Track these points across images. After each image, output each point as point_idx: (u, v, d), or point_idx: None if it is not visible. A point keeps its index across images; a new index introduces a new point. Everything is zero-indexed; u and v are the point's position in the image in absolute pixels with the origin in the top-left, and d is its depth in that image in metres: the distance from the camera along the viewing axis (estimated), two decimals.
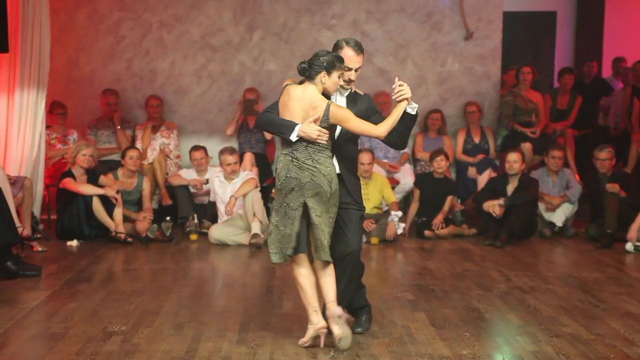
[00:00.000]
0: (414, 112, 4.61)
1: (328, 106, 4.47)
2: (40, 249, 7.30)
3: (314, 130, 4.46)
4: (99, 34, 9.58)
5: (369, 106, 4.74)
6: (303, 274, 4.57)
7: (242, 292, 5.91)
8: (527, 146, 9.00)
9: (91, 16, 9.56)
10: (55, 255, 7.24)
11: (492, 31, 9.76)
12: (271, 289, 5.92)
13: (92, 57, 9.60)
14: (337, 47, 4.68)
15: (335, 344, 4.42)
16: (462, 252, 7.59)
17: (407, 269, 7.07)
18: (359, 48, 4.65)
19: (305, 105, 4.52)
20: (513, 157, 8.24)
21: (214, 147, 9.06)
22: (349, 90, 4.75)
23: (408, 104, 4.59)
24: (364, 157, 8.13)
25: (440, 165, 8.40)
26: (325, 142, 4.51)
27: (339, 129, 4.64)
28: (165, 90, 9.65)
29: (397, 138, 4.69)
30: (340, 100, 4.73)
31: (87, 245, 7.72)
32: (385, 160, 9.21)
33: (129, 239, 7.80)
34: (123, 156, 8.37)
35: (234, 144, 9.20)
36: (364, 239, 7.96)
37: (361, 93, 4.81)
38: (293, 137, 4.49)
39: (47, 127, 8.60)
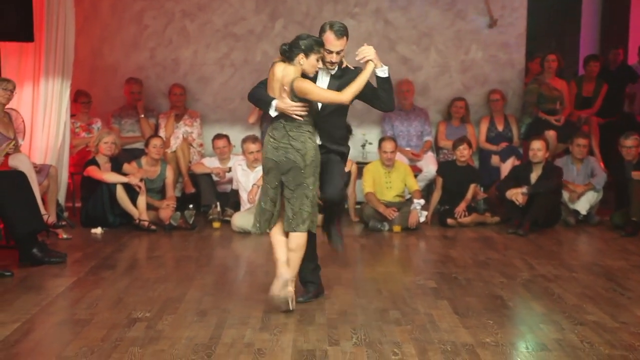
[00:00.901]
0: (384, 75, 4.87)
1: (292, 82, 4.72)
2: (65, 236, 7.38)
3: (288, 106, 4.75)
4: (123, 23, 9.63)
5: (354, 78, 4.84)
6: (275, 235, 5.00)
7: (265, 279, 5.90)
8: (551, 134, 8.93)
9: (115, 5, 9.60)
10: (79, 242, 7.30)
11: (517, 18, 9.68)
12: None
13: (116, 47, 9.66)
14: (321, 30, 4.90)
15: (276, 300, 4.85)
16: (485, 240, 7.56)
17: (429, 257, 7.06)
18: (340, 32, 4.84)
19: (280, 84, 4.81)
20: (537, 145, 8.18)
21: (236, 135, 9.09)
22: (335, 70, 4.96)
23: (376, 67, 4.82)
24: (387, 145, 8.12)
25: (463, 153, 8.36)
26: (302, 118, 4.77)
27: (320, 104, 4.88)
28: (188, 79, 9.68)
29: (380, 103, 5.00)
30: (324, 79, 4.97)
31: (111, 232, 7.78)
32: (407, 148, 9.18)
33: (153, 227, 7.85)
34: (146, 144, 8.41)
35: (257, 133, 9.22)
36: (386, 226, 7.96)
37: (351, 67, 4.99)
38: (272, 113, 4.82)
39: (72, 115, 8.66)
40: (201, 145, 9.30)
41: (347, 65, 5.03)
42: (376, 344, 4.35)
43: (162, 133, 9.07)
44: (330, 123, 5.00)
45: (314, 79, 4.92)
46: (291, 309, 4.90)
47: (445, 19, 9.68)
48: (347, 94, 4.78)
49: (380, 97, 4.98)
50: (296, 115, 4.77)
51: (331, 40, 4.83)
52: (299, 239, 4.92)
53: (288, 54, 4.82)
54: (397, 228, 7.94)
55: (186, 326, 4.66)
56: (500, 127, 9.40)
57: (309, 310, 5.01)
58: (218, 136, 8.77)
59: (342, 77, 4.97)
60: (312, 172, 4.84)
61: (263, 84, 4.99)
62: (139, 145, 9.06)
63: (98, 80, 9.61)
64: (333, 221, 5.26)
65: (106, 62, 9.66)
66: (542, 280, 5.86)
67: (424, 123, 9.37)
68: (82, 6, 9.31)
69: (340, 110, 5.00)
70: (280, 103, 4.78)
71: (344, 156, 5.16)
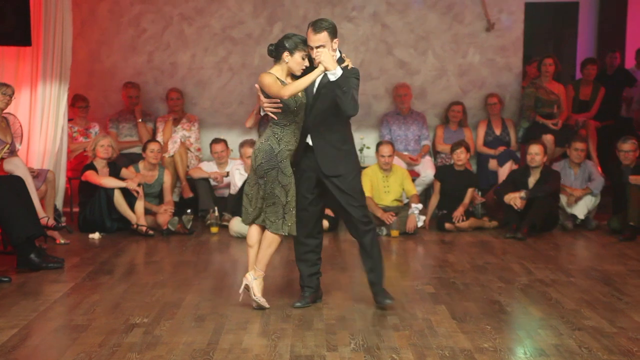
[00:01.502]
0: (333, 78, 4.84)
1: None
2: (62, 241, 7.38)
3: (262, 101, 4.99)
4: (120, 27, 9.63)
5: (346, 77, 4.87)
6: (250, 236, 5.18)
7: (263, 284, 5.90)
8: (548, 138, 8.93)
9: (112, 9, 9.60)
10: (77, 247, 7.30)
11: (514, 22, 9.70)
12: (291, 282, 5.92)
13: (114, 51, 9.66)
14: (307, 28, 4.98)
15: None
16: (483, 244, 7.57)
17: (427, 261, 7.06)
18: (318, 27, 4.90)
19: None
20: (534, 149, 8.19)
21: (234, 139, 9.09)
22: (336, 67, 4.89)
23: (327, 70, 4.81)
24: (385, 150, 8.12)
25: (460, 157, 8.37)
26: (275, 117, 4.91)
27: (296, 100, 4.94)
28: (186, 83, 9.68)
29: (339, 105, 4.88)
30: (324, 78, 4.95)
31: (109, 237, 7.78)
32: (405, 153, 9.18)
33: (150, 232, 7.84)
34: (144, 149, 8.41)
35: (254, 137, 9.21)
36: (384, 231, 7.96)
37: (350, 66, 5.00)
38: (261, 111, 4.99)
39: (69, 120, 8.65)
40: (199, 149, 9.30)
41: (347, 65, 4.99)
42: (374, 350, 4.34)
43: (159, 137, 9.07)
44: (323, 124, 5.04)
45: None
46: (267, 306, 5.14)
47: (442, 23, 9.69)
48: (286, 89, 4.84)
49: (339, 100, 4.87)
50: (269, 112, 4.93)
51: (310, 36, 4.92)
52: (271, 236, 5.09)
53: (275, 54, 5.00)
54: (395, 233, 7.94)
55: (184, 331, 4.66)
56: (497, 131, 9.41)
57: (307, 316, 5.01)
58: (216, 140, 8.76)
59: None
60: (260, 175, 4.98)
61: None
62: (137, 149, 9.06)
63: (96, 85, 9.61)
64: (380, 273, 5.23)
65: (104, 66, 9.66)
66: (540, 285, 5.86)
67: (421, 127, 9.38)
68: (80, 10, 9.31)
69: (332, 110, 4.97)
70: (260, 99, 5.02)
71: (342, 163, 5.09)
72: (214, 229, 8.12)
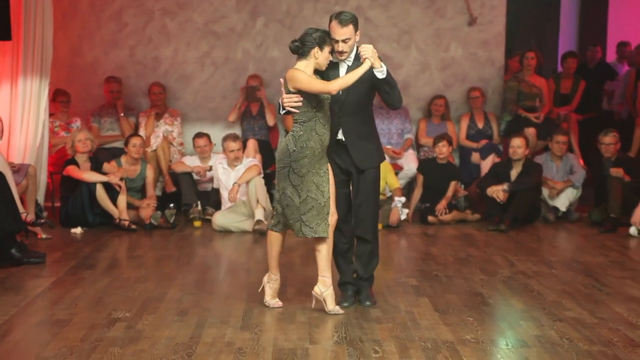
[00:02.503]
0: (382, 75, 4.82)
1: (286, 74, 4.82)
2: (44, 236, 7.32)
3: (283, 97, 4.84)
4: (102, 21, 9.57)
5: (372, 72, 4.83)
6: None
7: (246, 278, 5.91)
8: (530, 131, 8.97)
9: (94, 3, 9.54)
10: (59, 242, 7.25)
11: (496, 16, 9.72)
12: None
13: (95, 45, 9.59)
14: (329, 21, 4.90)
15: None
16: (465, 237, 7.60)
17: (410, 254, 7.08)
18: (344, 20, 4.83)
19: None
20: (517, 142, 8.22)
21: (217, 134, 9.06)
22: (351, 60, 4.94)
23: (373, 66, 4.76)
24: None
25: (442, 151, 8.39)
26: (297, 110, 4.79)
27: (317, 97, 4.81)
28: (169, 78, 9.64)
29: (386, 100, 5.00)
30: (343, 71, 4.94)
31: (91, 232, 7.74)
32: (388, 146, 9.19)
33: (133, 226, 7.81)
34: (126, 144, 8.37)
35: (237, 131, 9.20)
36: None
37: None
38: (281, 111, 4.91)
39: (51, 115, 8.59)
40: (181, 144, 9.27)
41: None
42: (357, 342, 4.35)
43: (142, 132, 9.03)
44: (355, 117, 4.99)
45: (334, 72, 4.92)
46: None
47: (425, 17, 9.70)
48: (334, 85, 4.74)
49: (385, 95, 4.96)
50: (290, 107, 4.80)
51: (336, 29, 4.82)
52: (269, 235, 5.08)
53: (301, 50, 4.82)
54: (378, 226, 7.92)
55: (166, 326, 4.65)
56: (480, 125, 9.44)
57: (289, 309, 5.01)
58: (199, 135, 8.73)
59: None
60: (281, 176, 4.89)
61: None
62: (119, 144, 9.01)
63: (77, 79, 9.55)
64: (369, 281, 5.21)
65: (85, 61, 9.60)
66: (522, 277, 5.89)
67: (404, 121, 9.39)
68: (61, 3, 9.23)
69: (365, 102, 5.00)
70: (282, 97, 4.87)
71: (375, 155, 5.08)
72: (197, 223, 8.10)
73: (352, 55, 4.95)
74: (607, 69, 10.69)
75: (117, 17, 9.57)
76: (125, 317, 4.82)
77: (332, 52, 4.89)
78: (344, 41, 4.84)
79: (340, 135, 4.99)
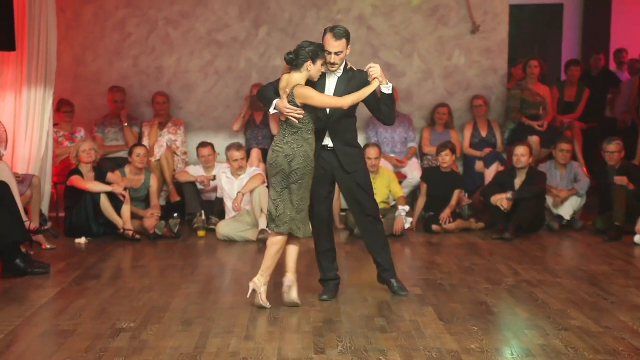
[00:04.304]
0: (387, 92, 5.23)
1: (293, 88, 5.07)
2: (48, 246, 7.33)
3: (285, 106, 5.10)
4: (105, 31, 9.60)
5: (363, 82, 5.23)
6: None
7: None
8: (534, 139, 8.97)
9: (97, 13, 9.57)
10: (63, 252, 7.26)
11: (499, 24, 9.73)
12: (279, 285, 5.90)
13: (99, 55, 9.62)
14: (324, 33, 5.23)
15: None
16: (469, 246, 7.58)
17: (414, 263, 7.07)
18: (338, 34, 5.19)
19: (284, 90, 5.17)
20: (520, 151, 8.21)
21: (221, 143, 9.07)
22: (341, 71, 5.29)
23: (381, 84, 5.17)
24: (371, 152, 8.13)
25: (445, 160, 8.38)
26: (298, 122, 5.07)
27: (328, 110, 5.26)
28: (172, 87, 9.66)
29: (381, 115, 5.38)
30: (331, 81, 5.31)
31: (96, 242, 7.75)
32: (392, 155, 9.20)
33: (137, 236, 7.81)
34: (130, 153, 8.38)
35: (241, 140, 9.21)
36: None
37: (355, 69, 5.35)
38: (271, 110, 5.22)
39: (55, 125, 8.62)
40: (185, 153, 9.28)
41: (351, 67, 5.34)
42: (362, 352, 4.35)
43: (146, 142, 9.04)
44: (341, 126, 5.35)
45: (321, 82, 5.25)
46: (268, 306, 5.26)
47: (427, 25, 9.71)
48: (347, 100, 5.13)
49: (382, 110, 5.34)
50: (291, 117, 5.08)
51: (330, 42, 5.16)
52: (277, 237, 5.23)
53: (295, 62, 5.13)
54: None
55: (171, 336, 4.65)
56: (483, 133, 9.44)
57: (294, 319, 5.01)
58: (202, 144, 8.74)
59: (350, 81, 5.29)
60: (298, 179, 5.10)
61: (272, 84, 5.35)
62: (123, 154, 9.03)
63: (81, 89, 9.57)
64: (390, 268, 5.60)
65: (89, 71, 9.62)
66: (527, 286, 5.88)
67: (408, 129, 9.40)
68: (65, 15, 9.28)
69: (349, 113, 5.33)
70: (280, 102, 5.15)
71: (361, 159, 5.52)
72: (201, 233, 8.10)
73: (342, 68, 5.29)
74: (611, 77, 10.70)
75: (121, 27, 9.60)
76: (130, 327, 4.82)
77: (324, 64, 5.19)
78: (336, 54, 5.18)
79: (327, 142, 5.37)
